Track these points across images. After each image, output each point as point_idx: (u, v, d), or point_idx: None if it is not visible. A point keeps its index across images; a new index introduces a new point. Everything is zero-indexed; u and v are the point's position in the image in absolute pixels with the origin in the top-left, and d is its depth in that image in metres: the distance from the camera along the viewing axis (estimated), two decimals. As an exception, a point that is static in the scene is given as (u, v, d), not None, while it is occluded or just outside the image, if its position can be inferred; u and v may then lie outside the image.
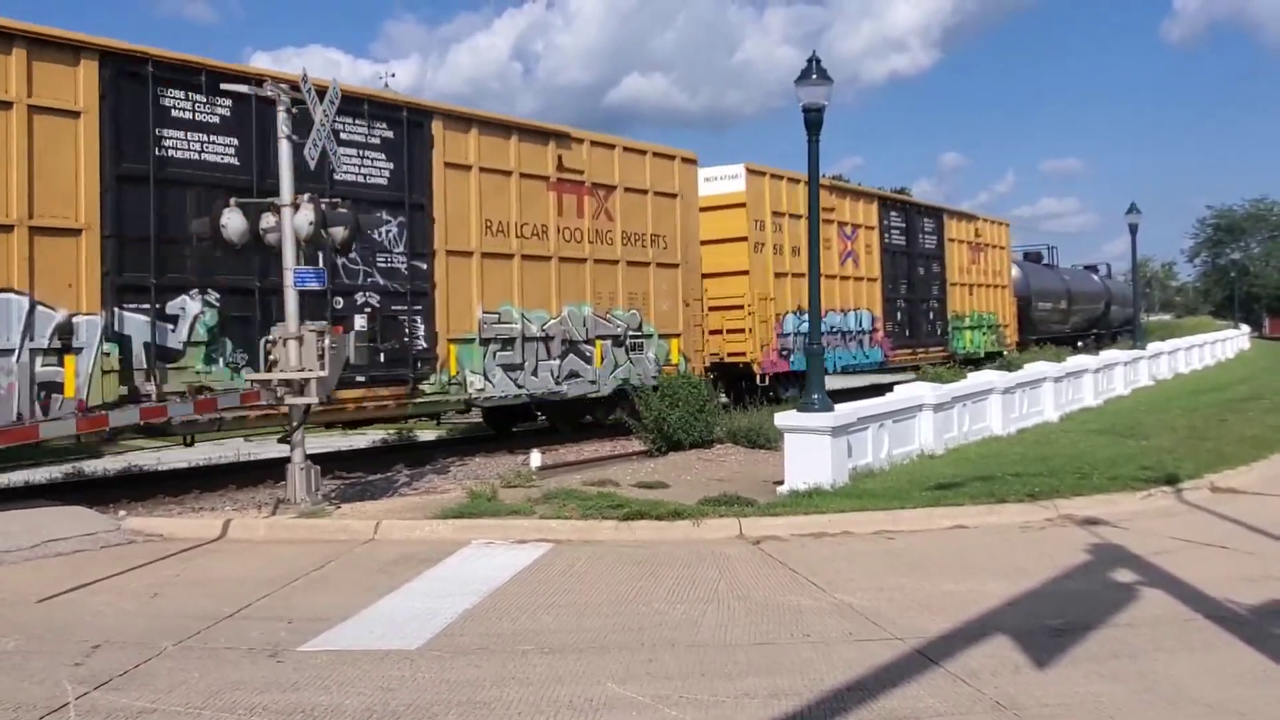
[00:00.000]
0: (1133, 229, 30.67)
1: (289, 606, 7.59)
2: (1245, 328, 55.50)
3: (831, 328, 23.94)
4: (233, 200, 11.41)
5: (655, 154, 19.30)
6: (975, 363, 29.91)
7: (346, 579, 8.52)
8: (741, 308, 21.64)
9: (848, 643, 6.54)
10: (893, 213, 28.00)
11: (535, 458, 14.88)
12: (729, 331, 21.64)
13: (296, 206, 11.15)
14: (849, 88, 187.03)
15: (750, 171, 22.07)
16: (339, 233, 11.53)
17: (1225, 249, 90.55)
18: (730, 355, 21.61)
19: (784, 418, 12.32)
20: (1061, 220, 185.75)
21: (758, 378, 21.54)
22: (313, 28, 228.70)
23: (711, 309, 21.17)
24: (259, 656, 6.38)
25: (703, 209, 20.71)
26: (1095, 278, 48.93)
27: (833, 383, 24.05)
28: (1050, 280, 41.33)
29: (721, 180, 21.95)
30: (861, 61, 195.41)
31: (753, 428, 16.77)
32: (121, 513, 11.34)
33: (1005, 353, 33.17)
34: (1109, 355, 25.24)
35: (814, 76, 12.30)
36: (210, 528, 10.46)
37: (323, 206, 11.34)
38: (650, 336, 18.76)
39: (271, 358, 11.43)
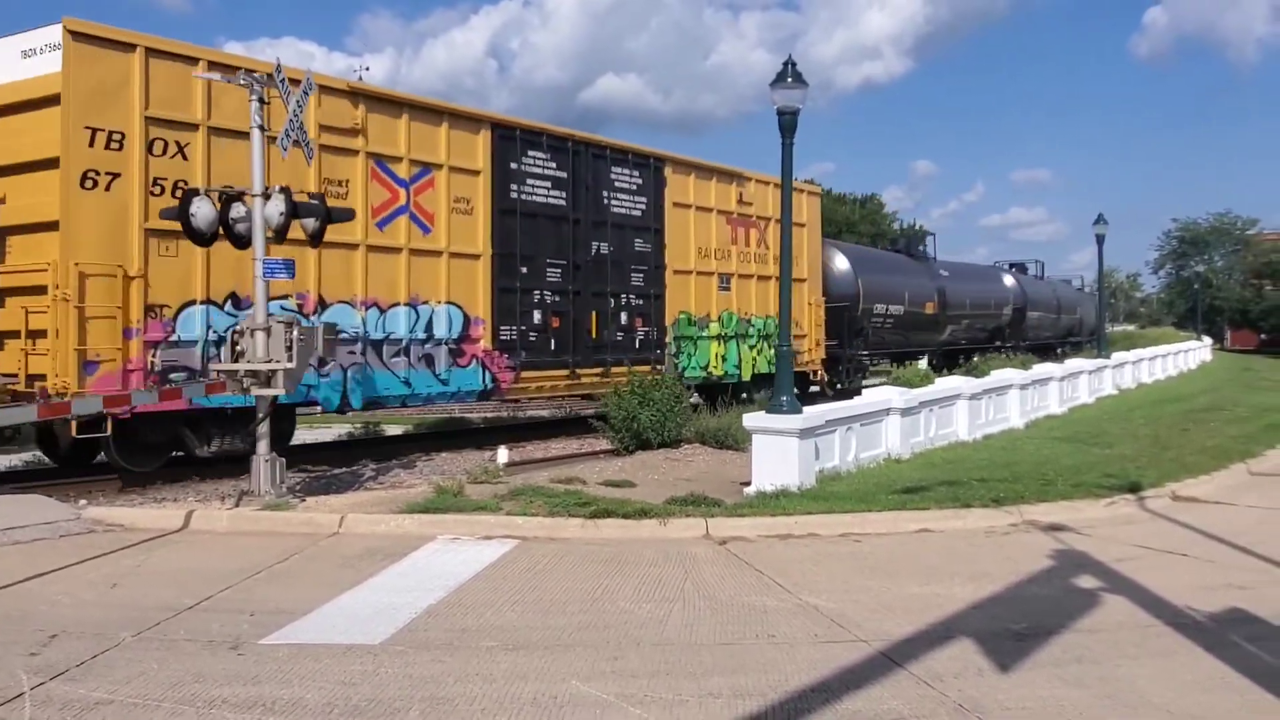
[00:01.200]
0: (1099, 239, 30.98)
1: (251, 599, 7.52)
2: (1207, 339, 56.19)
3: (346, 331, 14.24)
4: (202, 189, 11.28)
5: None
6: (721, 390, 21.32)
7: (310, 573, 8.45)
8: (45, 290, 11.84)
9: (812, 644, 6.56)
10: (532, 152, 17.43)
11: (503, 454, 14.83)
12: (34, 335, 12.13)
13: (267, 196, 11.05)
14: (822, 94, 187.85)
15: (83, 38, 11.90)
16: (310, 224, 11.43)
17: (1189, 261, 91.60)
18: (34, 378, 12.02)
19: (752, 419, 12.35)
20: (1031, 230, 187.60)
21: (72, 426, 11.39)
22: (287, 20, 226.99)
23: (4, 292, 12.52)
24: (219, 649, 6.31)
25: None
26: (1007, 278, 39.57)
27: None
28: (904, 276, 30.74)
29: (37, 57, 12.23)
30: (835, 68, 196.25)
31: (721, 429, 16.81)
32: (82, 501, 11.19)
33: (814, 376, 24.54)
34: (1058, 366, 22.85)
35: (789, 80, 12.34)
36: (172, 518, 10.34)
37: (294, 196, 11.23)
38: None
39: (238, 348, 11.31)
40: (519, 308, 17.22)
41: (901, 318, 29.61)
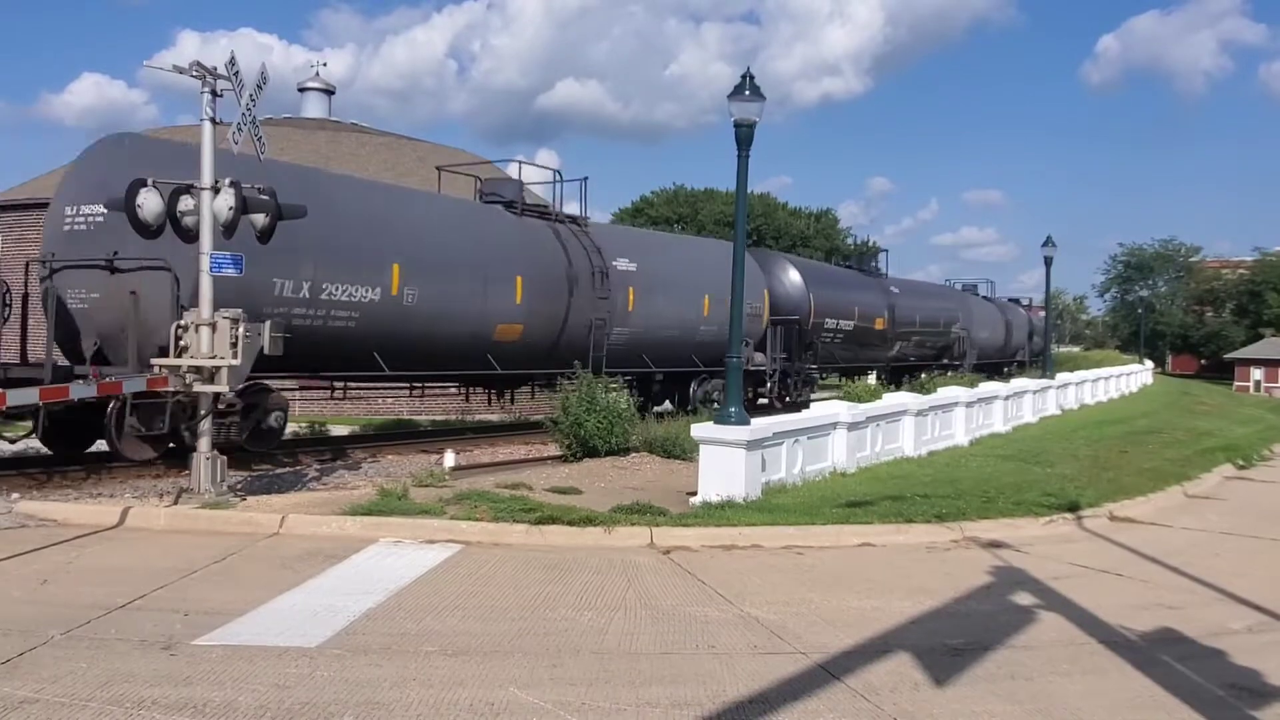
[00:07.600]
0: (1048, 261, 31.38)
1: (186, 599, 7.40)
2: (1149, 363, 57.23)
3: None
4: (150, 179, 11.10)
5: None
6: None
7: (248, 573, 8.33)
8: None
9: (752, 655, 6.58)
10: None
11: (449, 458, 14.73)
12: None
13: (217, 190, 10.89)
14: (780, 109, 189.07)
15: None
16: (260, 219, 11.29)
17: (1134, 286, 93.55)
18: None
19: (700, 429, 12.36)
20: (982, 250, 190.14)
21: None
22: (246, 12, 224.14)
23: None
24: (151, 649, 6.20)
25: None
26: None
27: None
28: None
29: None
30: (794, 83, 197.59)
31: (669, 438, 16.78)
32: (14, 495, 10.95)
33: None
34: (1004, 385, 23.62)
35: (747, 93, 12.39)
36: (108, 515, 10.15)
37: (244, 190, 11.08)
38: None
39: (182, 343, 11.13)
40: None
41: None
